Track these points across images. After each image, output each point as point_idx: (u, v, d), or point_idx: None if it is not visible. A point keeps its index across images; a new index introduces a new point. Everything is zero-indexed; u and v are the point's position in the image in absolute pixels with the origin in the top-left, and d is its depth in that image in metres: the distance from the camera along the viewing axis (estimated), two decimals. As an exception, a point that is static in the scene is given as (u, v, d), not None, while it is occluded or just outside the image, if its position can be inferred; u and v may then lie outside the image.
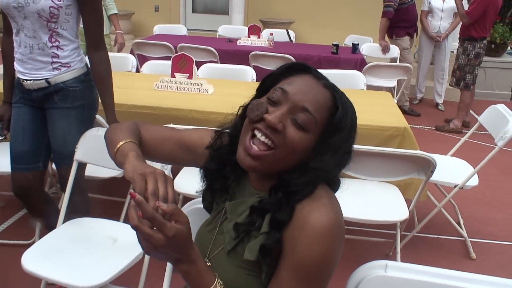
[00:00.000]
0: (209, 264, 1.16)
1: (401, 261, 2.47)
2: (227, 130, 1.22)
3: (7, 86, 2.28)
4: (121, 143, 1.17)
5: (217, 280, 1.05)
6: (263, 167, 1.07)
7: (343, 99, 1.09)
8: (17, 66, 2.12)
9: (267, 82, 1.15)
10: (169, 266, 1.59)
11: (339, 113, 1.07)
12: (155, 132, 1.31)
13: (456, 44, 5.90)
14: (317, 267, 1.01)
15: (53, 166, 2.31)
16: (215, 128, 1.27)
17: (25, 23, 2.01)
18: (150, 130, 1.32)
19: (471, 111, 5.64)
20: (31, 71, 2.09)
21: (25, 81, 2.10)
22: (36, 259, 1.83)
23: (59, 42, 2.07)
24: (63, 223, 2.09)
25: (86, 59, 2.21)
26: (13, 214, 3.11)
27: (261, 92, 1.16)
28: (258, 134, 1.05)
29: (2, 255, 2.69)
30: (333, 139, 1.07)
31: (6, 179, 3.36)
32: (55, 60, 2.08)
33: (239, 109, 1.19)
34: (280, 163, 1.07)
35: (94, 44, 2.12)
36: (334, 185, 1.16)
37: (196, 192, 1.30)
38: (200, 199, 1.33)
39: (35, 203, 2.31)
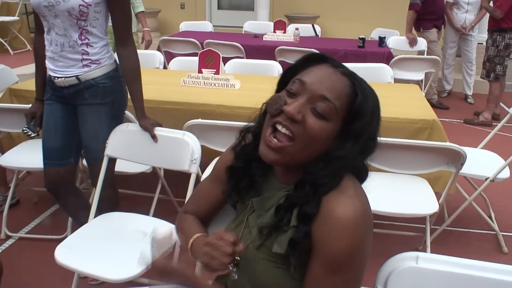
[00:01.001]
0: (238, 258, 1.17)
1: (431, 254, 2.44)
2: (251, 130, 1.23)
3: (39, 84, 2.32)
4: (191, 241, 1.26)
5: None
6: (285, 160, 1.08)
7: (362, 85, 1.09)
8: (48, 64, 2.16)
9: (286, 75, 1.16)
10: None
11: (358, 99, 1.07)
12: (198, 200, 1.43)
13: (483, 35, 5.80)
14: (349, 259, 1.02)
15: (84, 162, 2.35)
16: (244, 124, 1.28)
17: (55, 21, 2.05)
18: (195, 203, 1.43)
19: (501, 103, 5.52)
20: (62, 69, 2.12)
21: (56, 78, 2.14)
22: (68, 252, 1.87)
23: (88, 40, 2.11)
24: (94, 217, 2.13)
25: (115, 55, 2.24)
26: (46, 210, 3.18)
27: (281, 86, 1.17)
28: (279, 127, 1.06)
29: (35, 250, 2.75)
30: (354, 126, 1.07)
31: (38, 176, 3.45)
32: (85, 57, 2.12)
33: (262, 106, 1.20)
34: (302, 154, 1.07)
35: (122, 41, 2.15)
36: (361, 175, 1.15)
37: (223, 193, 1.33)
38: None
39: (66, 198, 2.36)
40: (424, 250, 2.52)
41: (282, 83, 1.17)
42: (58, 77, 2.13)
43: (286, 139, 1.06)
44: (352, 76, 1.10)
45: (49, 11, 2.02)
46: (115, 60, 2.23)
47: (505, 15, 5.03)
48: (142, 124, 2.13)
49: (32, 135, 2.32)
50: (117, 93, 2.22)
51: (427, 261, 1.18)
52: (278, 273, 1.10)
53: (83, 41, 2.09)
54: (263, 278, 1.12)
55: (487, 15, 5.51)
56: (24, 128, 2.31)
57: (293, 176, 1.12)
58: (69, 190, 2.34)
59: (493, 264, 1.16)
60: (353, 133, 1.07)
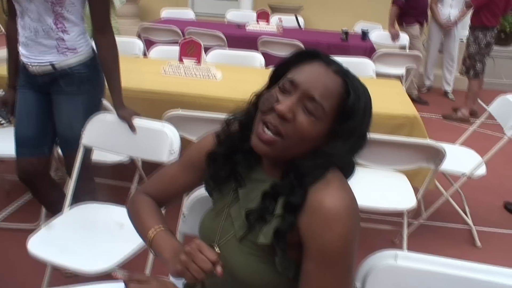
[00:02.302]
0: (218, 251, 1.16)
1: (408, 248, 2.47)
2: (238, 119, 1.21)
3: (12, 70, 2.25)
4: (151, 236, 1.22)
5: None
6: (275, 152, 1.07)
7: (355, 84, 1.08)
8: (21, 50, 2.10)
9: (278, 70, 1.15)
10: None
11: (351, 99, 1.06)
12: (161, 182, 1.38)
13: (465, 32, 5.85)
14: (340, 250, 1.01)
15: (59, 151, 2.29)
16: (225, 115, 1.26)
17: (29, 6, 1.98)
18: (157, 184, 1.38)
19: (479, 100, 5.59)
20: (36, 55, 2.06)
21: (30, 65, 2.08)
22: (42, 243, 1.83)
23: (64, 26, 2.04)
24: (69, 208, 2.09)
25: (92, 43, 2.18)
26: (18, 198, 3.11)
27: (273, 81, 1.15)
28: (265, 129, 1.06)
29: (7, 239, 2.70)
30: (346, 125, 1.06)
31: (10, 164, 3.37)
32: (60, 44, 2.06)
33: (251, 96, 1.19)
34: (292, 150, 1.07)
35: (100, 28, 2.09)
36: (348, 171, 1.15)
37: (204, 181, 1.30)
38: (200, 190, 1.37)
39: (40, 189, 2.29)
40: (401, 244, 2.54)
41: (274, 77, 1.16)
42: (32, 64, 2.07)
43: (276, 135, 1.05)
44: (345, 75, 1.09)
45: None
46: (92, 48, 2.18)
47: (488, 13, 5.08)
48: (120, 114, 2.09)
49: (4, 123, 2.26)
50: (94, 82, 2.17)
51: (406, 259, 1.18)
52: (261, 267, 1.09)
53: (58, 27, 2.03)
54: (245, 271, 1.11)
55: (471, 11, 5.56)
56: None
57: (281, 169, 1.11)
58: (44, 180, 2.27)
59: (471, 263, 1.16)
60: (344, 132, 1.07)
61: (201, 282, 1.24)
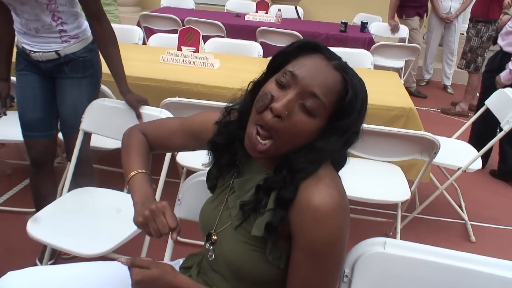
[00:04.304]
0: (216, 238, 1.20)
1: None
2: (236, 106, 1.22)
3: (3, 62, 2.19)
4: (131, 175, 1.29)
5: None
6: (269, 155, 1.08)
7: (354, 81, 1.06)
8: (21, 38, 2.07)
9: (277, 60, 1.13)
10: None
11: (348, 97, 1.04)
12: (160, 130, 1.41)
13: (463, 25, 5.83)
14: (328, 247, 1.04)
15: (60, 136, 2.30)
16: (222, 104, 1.28)
17: (23, 8, 1.96)
18: (156, 130, 1.42)
19: (477, 95, 5.59)
20: (40, 44, 2.06)
21: (32, 52, 2.07)
22: (41, 226, 1.86)
23: (62, 19, 2.04)
24: (68, 191, 2.11)
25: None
26: (19, 182, 3.13)
27: (271, 70, 1.14)
28: (259, 139, 1.06)
29: (8, 222, 2.73)
30: (341, 123, 1.06)
31: (11, 147, 3.41)
32: (63, 34, 2.06)
33: (249, 84, 1.19)
34: (286, 147, 1.07)
35: (94, 16, 2.07)
36: (340, 163, 1.17)
37: (202, 165, 1.32)
38: (204, 171, 1.36)
39: (46, 175, 2.29)
40: (394, 236, 2.57)
41: (272, 68, 1.14)
42: (35, 51, 2.06)
43: (269, 139, 1.06)
44: (344, 71, 1.07)
45: (13, 0, 1.94)
46: (91, 32, 2.18)
47: (493, 5, 5.06)
48: (128, 100, 2.08)
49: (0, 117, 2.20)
50: (95, 64, 2.19)
51: (394, 247, 1.20)
52: (254, 256, 1.12)
53: (57, 22, 2.03)
54: (238, 259, 1.13)
55: (472, 3, 5.53)
56: None
57: (276, 161, 1.12)
58: (51, 163, 2.29)
59: (458, 252, 1.19)
60: (339, 129, 1.06)
61: (197, 267, 1.28)
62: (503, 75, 3.67)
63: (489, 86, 3.76)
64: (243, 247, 1.13)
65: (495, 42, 4.14)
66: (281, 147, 1.06)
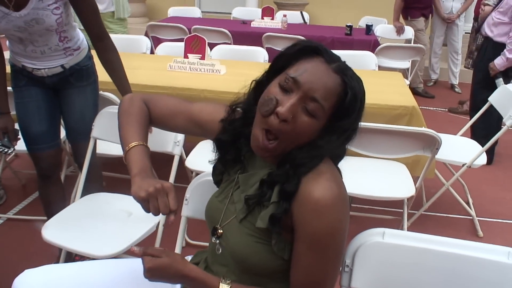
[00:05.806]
0: (221, 231, 1.26)
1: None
2: (240, 105, 1.28)
3: (3, 94, 2.17)
4: (131, 145, 1.28)
5: (220, 283, 1.18)
6: (274, 154, 1.15)
7: (353, 83, 1.12)
8: (21, 58, 2.11)
9: (279, 62, 1.18)
10: (180, 238, 1.69)
11: (348, 99, 1.10)
12: (165, 107, 1.40)
13: (468, 25, 5.82)
14: (328, 237, 1.10)
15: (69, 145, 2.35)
16: (226, 104, 1.34)
17: (32, 37, 2.02)
18: (160, 105, 1.41)
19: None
20: (45, 62, 2.12)
21: (36, 69, 2.12)
22: (55, 230, 1.92)
23: (67, 37, 2.12)
24: (80, 197, 2.17)
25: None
26: (33, 192, 3.20)
27: (273, 72, 1.19)
28: (267, 141, 1.12)
29: (23, 230, 2.80)
30: (341, 123, 1.13)
31: (24, 158, 3.49)
32: (67, 50, 2.14)
33: (251, 83, 1.25)
34: (289, 146, 1.14)
35: (97, 36, 2.12)
36: (339, 158, 1.23)
37: (209, 161, 1.37)
38: (209, 172, 1.41)
39: (56, 183, 2.35)
40: (402, 233, 2.59)
41: (274, 69, 1.19)
42: (40, 69, 2.12)
43: (276, 140, 1.12)
44: (343, 73, 1.12)
45: (21, 32, 1.99)
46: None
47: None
48: None
49: (10, 152, 2.16)
50: (94, 70, 2.28)
51: (393, 236, 1.25)
52: (259, 248, 1.17)
53: (64, 41, 2.11)
54: (244, 251, 1.19)
55: (474, 3, 5.54)
56: None
57: (278, 156, 1.18)
58: (59, 174, 2.36)
59: (455, 239, 1.23)
60: (339, 128, 1.13)
61: (204, 262, 1.34)
62: (498, 62, 3.78)
63: (484, 76, 3.93)
64: (248, 239, 1.18)
65: (477, 31, 4.24)
66: (286, 146, 1.13)
